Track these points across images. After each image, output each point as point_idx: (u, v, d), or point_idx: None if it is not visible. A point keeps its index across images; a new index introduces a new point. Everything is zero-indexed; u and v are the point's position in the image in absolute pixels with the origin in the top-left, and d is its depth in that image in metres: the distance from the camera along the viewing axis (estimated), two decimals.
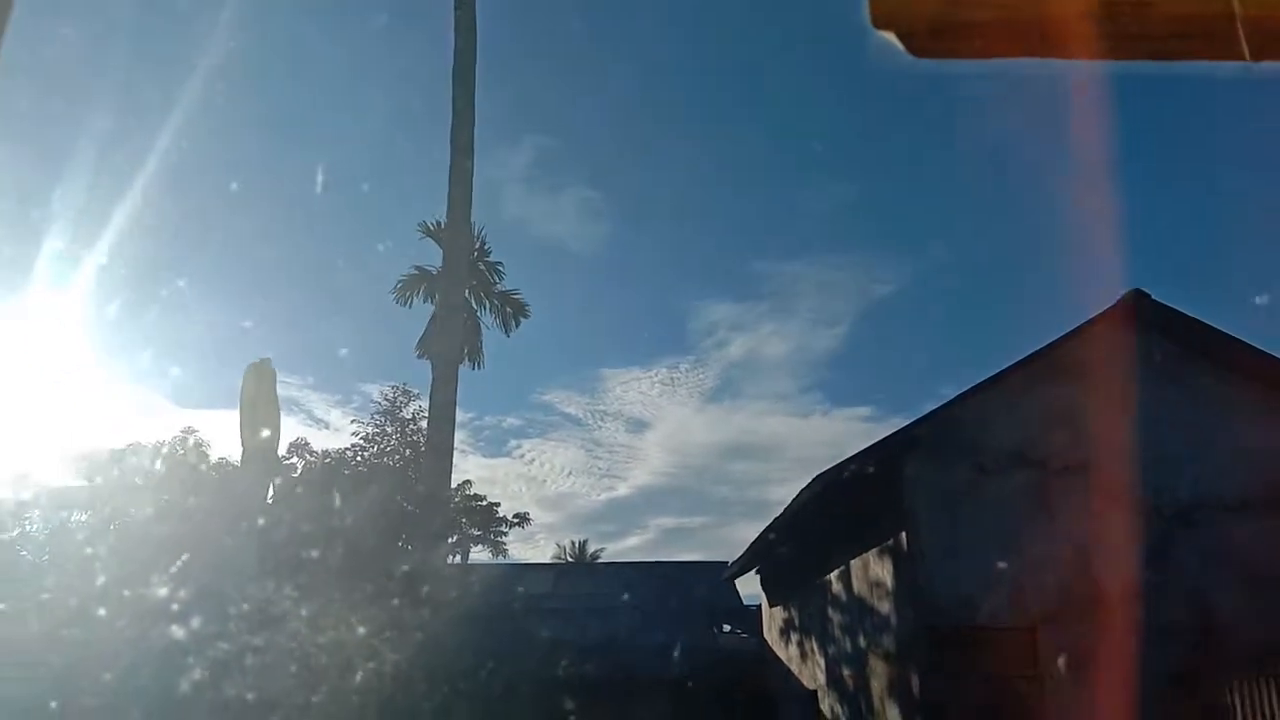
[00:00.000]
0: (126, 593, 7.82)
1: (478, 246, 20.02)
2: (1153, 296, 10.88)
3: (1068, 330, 10.91)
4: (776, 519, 14.18)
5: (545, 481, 51.38)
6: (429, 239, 19.70)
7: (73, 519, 16.80)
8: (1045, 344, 10.90)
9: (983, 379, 10.90)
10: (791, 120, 39.76)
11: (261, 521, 9.90)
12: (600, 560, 36.08)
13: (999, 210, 41.23)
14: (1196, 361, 11.11)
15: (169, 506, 12.37)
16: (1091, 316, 10.90)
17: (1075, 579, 10.40)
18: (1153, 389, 10.77)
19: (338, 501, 11.94)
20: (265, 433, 11.85)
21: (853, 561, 12.49)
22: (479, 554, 31.02)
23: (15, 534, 18.97)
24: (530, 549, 47.30)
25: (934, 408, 11.07)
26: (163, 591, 7.82)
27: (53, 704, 7.32)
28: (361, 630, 8.99)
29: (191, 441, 17.24)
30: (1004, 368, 10.86)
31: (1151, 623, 10.03)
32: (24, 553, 16.11)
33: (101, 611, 7.68)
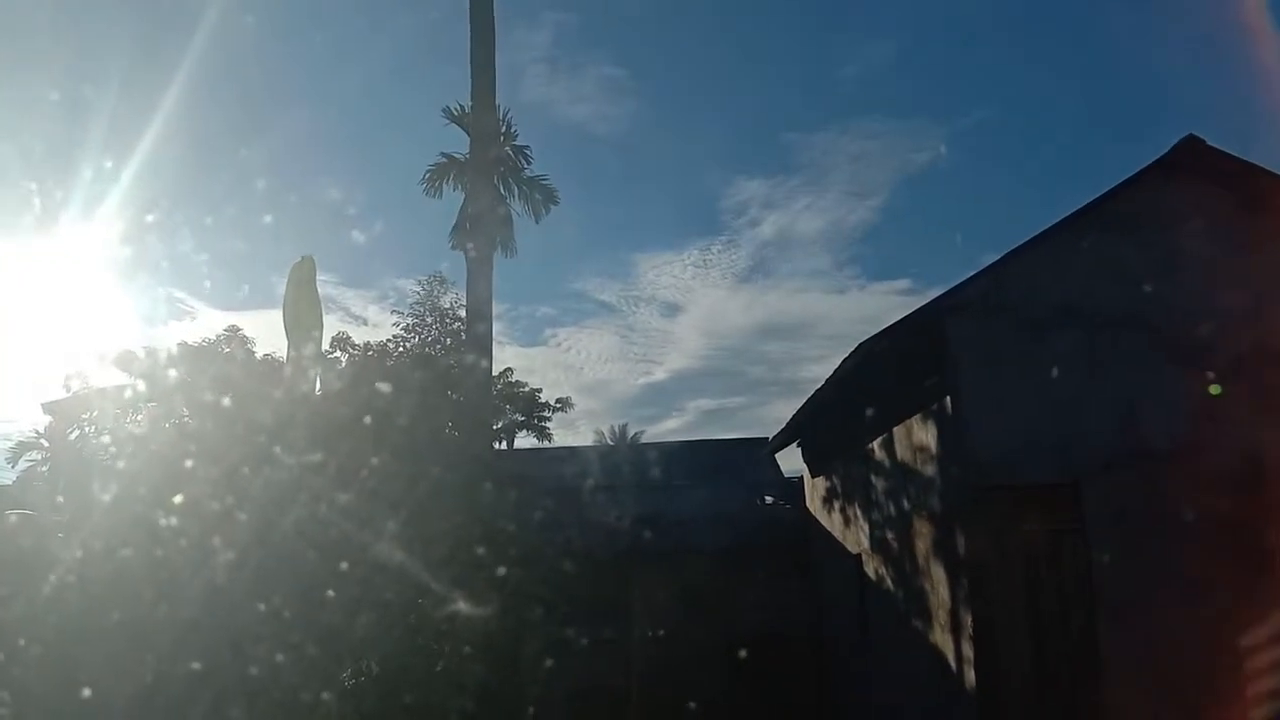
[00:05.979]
0: (208, 488, 8.04)
1: (504, 130, 19.66)
2: (1208, 143, 10.50)
3: (1118, 182, 10.60)
4: (818, 390, 14.23)
5: (582, 369, 51.98)
6: (455, 125, 19.36)
7: (129, 419, 17.22)
8: (1095, 197, 10.61)
9: (1029, 237, 10.68)
10: None
11: (313, 412, 10.08)
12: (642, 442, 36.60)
13: (1046, 66, 39.41)
14: (1256, 211, 10.72)
15: (221, 403, 12.61)
16: (1143, 166, 10.56)
17: (1122, 434, 10.40)
18: (1207, 240, 10.51)
19: (384, 390, 12.10)
20: (309, 327, 11.97)
21: (896, 428, 12.56)
22: (523, 439, 31.54)
23: (74, 436, 19.57)
24: (572, 435, 48.12)
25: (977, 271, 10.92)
26: (240, 482, 8.08)
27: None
28: (422, 513, 9.26)
29: (237, 340, 17.53)
30: (1051, 224, 10.61)
31: (1200, 475, 10.04)
32: (84, 453, 16.61)
33: (216, 506, 7.89)
